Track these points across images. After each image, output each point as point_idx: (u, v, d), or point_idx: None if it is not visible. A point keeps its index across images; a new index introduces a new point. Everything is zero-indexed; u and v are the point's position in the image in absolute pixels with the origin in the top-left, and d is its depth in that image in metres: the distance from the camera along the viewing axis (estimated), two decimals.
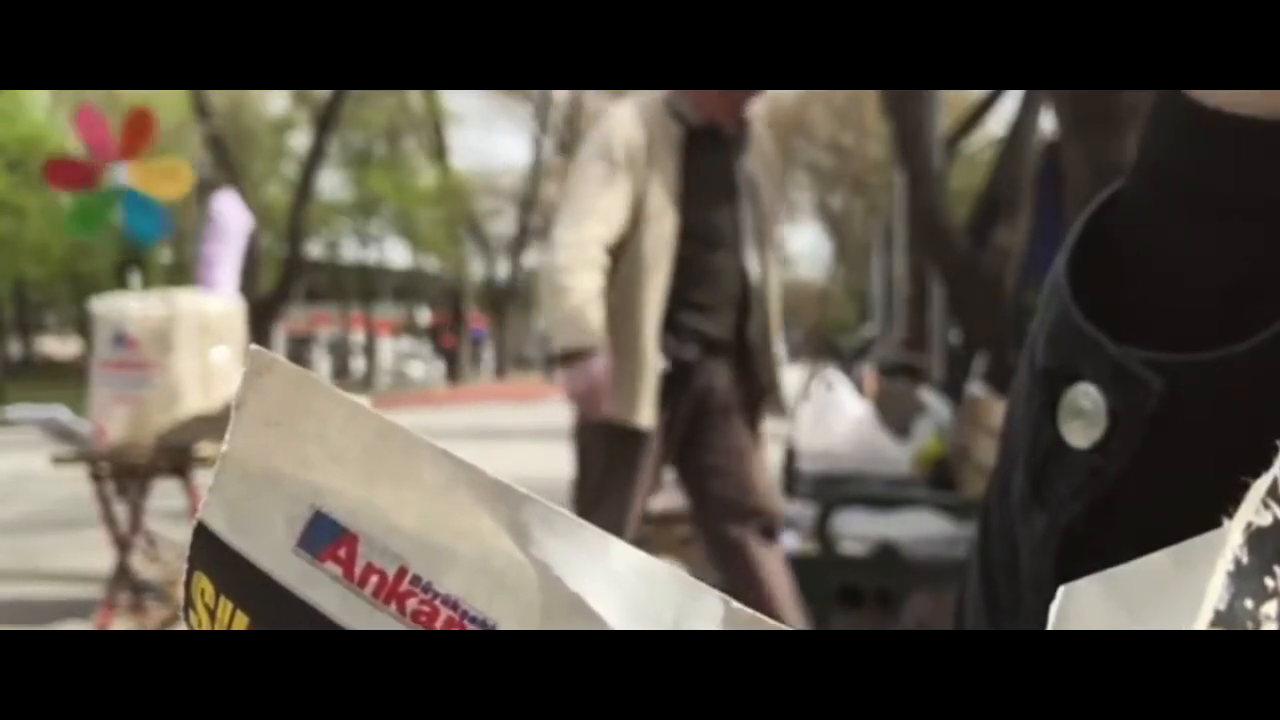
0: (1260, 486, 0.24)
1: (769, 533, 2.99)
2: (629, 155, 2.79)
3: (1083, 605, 0.25)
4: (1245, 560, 0.24)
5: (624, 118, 2.83)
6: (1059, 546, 0.39)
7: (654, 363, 2.79)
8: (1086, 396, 0.38)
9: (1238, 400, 0.35)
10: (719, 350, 2.90)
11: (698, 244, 2.85)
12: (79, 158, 4.73)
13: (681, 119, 2.83)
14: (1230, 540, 0.24)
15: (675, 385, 2.84)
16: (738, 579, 2.93)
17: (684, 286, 2.82)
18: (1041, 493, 0.40)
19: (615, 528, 2.84)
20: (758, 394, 2.99)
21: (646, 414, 2.79)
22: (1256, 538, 0.24)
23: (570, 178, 2.92)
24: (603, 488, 2.88)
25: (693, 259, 2.83)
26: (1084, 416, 0.38)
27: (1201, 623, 0.23)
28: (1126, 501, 0.38)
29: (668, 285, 2.80)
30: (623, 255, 2.80)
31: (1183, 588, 0.24)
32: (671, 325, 2.82)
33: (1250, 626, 0.24)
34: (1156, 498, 0.37)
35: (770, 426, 3.10)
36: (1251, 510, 0.24)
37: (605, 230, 2.76)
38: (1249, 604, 0.24)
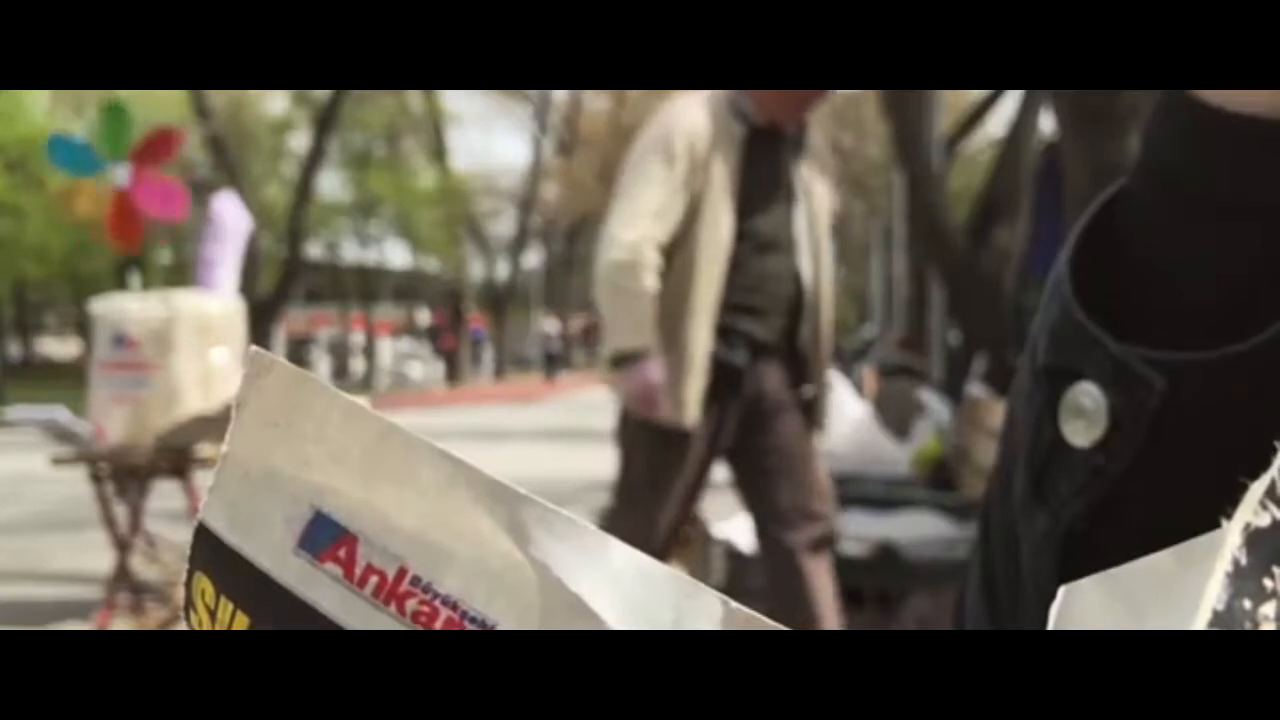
0: (1258, 488, 0.24)
1: (823, 542, 2.94)
2: (690, 150, 2.75)
3: (1083, 605, 0.25)
4: (1244, 561, 0.24)
5: (688, 110, 2.78)
6: (1060, 545, 0.39)
7: (701, 364, 2.75)
8: (1088, 395, 0.38)
9: (1239, 399, 0.35)
10: (770, 354, 2.86)
11: (752, 246, 2.81)
12: (166, 177, 4.75)
13: (744, 118, 2.79)
14: (1229, 541, 0.24)
15: (724, 388, 2.81)
16: (783, 590, 2.90)
17: (736, 289, 2.79)
18: (1042, 491, 0.40)
19: (650, 526, 2.81)
20: (809, 400, 2.95)
21: (691, 414, 2.75)
22: (1255, 539, 0.24)
23: (629, 168, 2.87)
24: (642, 486, 2.85)
25: (746, 261, 2.80)
26: (1085, 415, 0.38)
27: (1200, 623, 0.23)
28: (1127, 501, 0.38)
29: (721, 287, 2.77)
30: (677, 253, 2.76)
31: (1183, 588, 0.24)
32: (723, 328, 2.79)
33: (1248, 627, 0.24)
34: (1158, 497, 0.37)
35: None
36: (1250, 511, 0.24)
37: (661, 230, 2.73)
38: (1247, 604, 0.24)
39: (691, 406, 2.75)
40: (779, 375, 2.88)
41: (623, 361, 2.76)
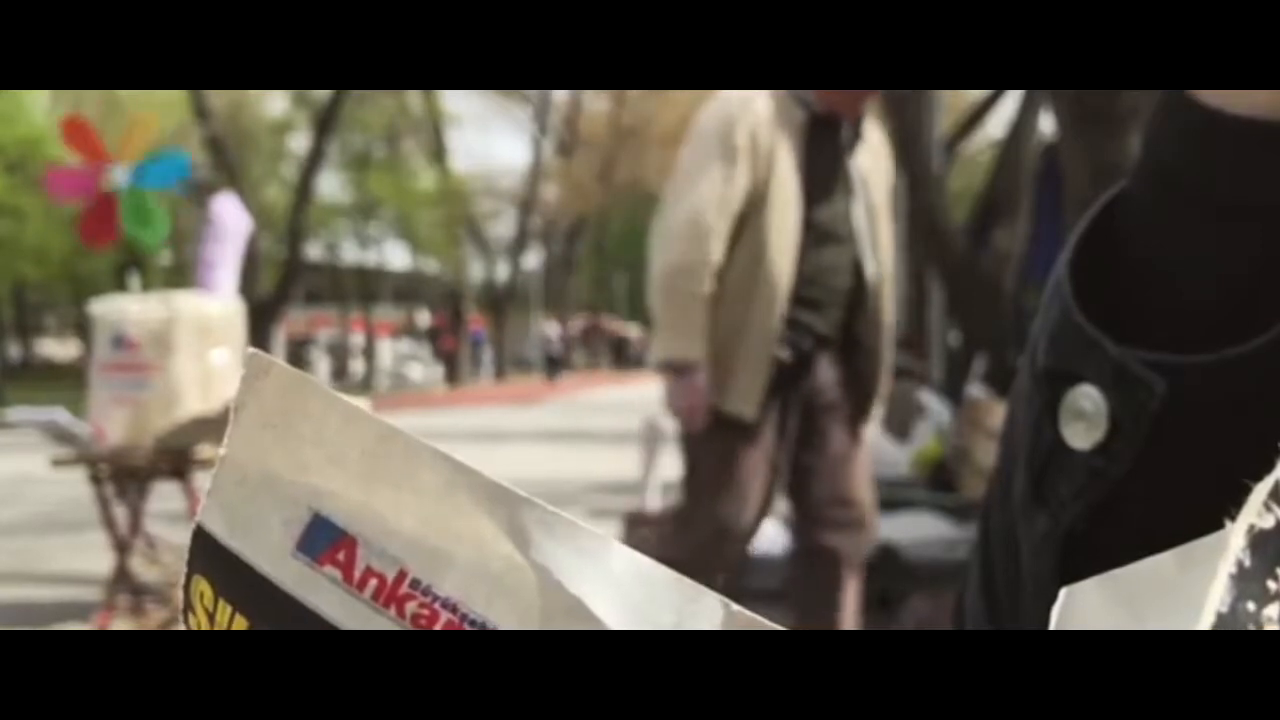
0: (1262, 489, 0.24)
1: (860, 546, 2.90)
2: (752, 139, 2.68)
3: (1085, 606, 0.25)
4: (1247, 563, 0.24)
5: (748, 98, 2.72)
6: (1059, 547, 0.39)
7: (768, 356, 2.71)
8: (1088, 398, 0.38)
9: (1239, 401, 0.35)
10: (827, 348, 2.82)
11: (812, 236, 2.76)
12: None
13: (805, 104, 2.74)
14: (1232, 543, 0.24)
15: (788, 380, 2.77)
16: (810, 589, 2.86)
17: (798, 280, 2.74)
18: (1043, 494, 0.40)
19: (726, 527, 2.76)
20: (862, 396, 2.91)
21: (755, 408, 2.71)
22: (1259, 540, 0.24)
23: (685, 160, 2.79)
24: (713, 484, 2.78)
25: (806, 252, 2.75)
26: (1085, 418, 0.38)
27: (1204, 625, 0.23)
28: (1128, 503, 0.37)
29: (791, 277, 2.71)
30: (741, 244, 2.70)
31: (1185, 590, 0.24)
32: (787, 319, 2.74)
33: (1252, 629, 0.24)
34: (1158, 499, 0.37)
35: None
36: (1254, 513, 0.24)
37: (723, 224, 2.68)
38: (1251, 606, 0.24)
39: (756, 400, 2.70)
40: (833, 371, 2.84)
41: (672, 368, 2.71)
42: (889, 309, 2.91)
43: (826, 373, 2.83)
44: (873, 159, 2.89)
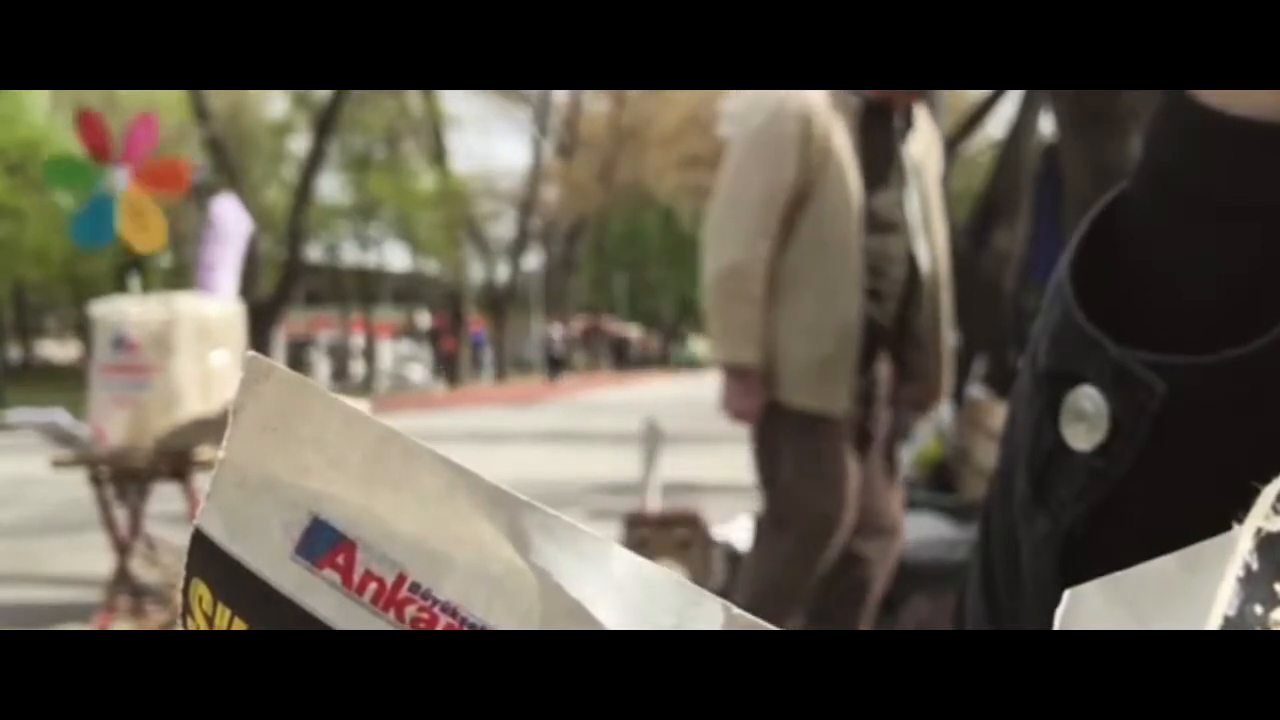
0: (1270, 492, 0.24)
1: (886, 559, 2.85)
2: (805, 128, 2.62)
3: (1088, 609, 0.25)
4: (1255, 566, 0.23)
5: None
6: (1060, 548, 0.39)
7: (853, 349, 2.65)
8: (1088, 399, 0.38)
9: (1240, 403, 0.35)
10: (885, 341, 2.75)
11: (869, 226, 2.69)
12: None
13: (859, 93, 2.66)
14: (1240, 545, 0.23)
15: (861, 372, 2.71)
16: (833, 596, 2.80)
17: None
18: (1043, 495, 0.40)
19: (834, 514, 2.68)
20: (922, 394, 2.85)
21: (843, 401, 2.65)
22: (1266, 543, 0.24)
23: (736, 156, 2.72)
24: (810, 480, 2.70)
25: (866, 241, 2.68)
26: (1086, 419, 0.38)
27: (1211, 628, 0.23)
28: (1129, 504, 0.37)
29: (860, 265, 2.65)
30: (800, 235, 2.64)
31: (1190, 592, 0.24)
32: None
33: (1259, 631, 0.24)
34: (1159, 500, 0.37)
35: None
36: (1261, 516, 0.24)
37: (772, 220, 2.62)
38: (1259, 610, 0.23)
39: (844, 392, 2.65)
40: (887, 366, 2.78)
41: (729, 372, 2.68)
42: (946, 302, 2.84)
43: (883, 367, 2.78)
44: (924, 147, 2.83)
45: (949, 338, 2.89)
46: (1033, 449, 0.40)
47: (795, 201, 2.63)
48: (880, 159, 2.72)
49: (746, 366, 2.64)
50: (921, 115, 2.83)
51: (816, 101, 2.63)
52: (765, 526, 2.86)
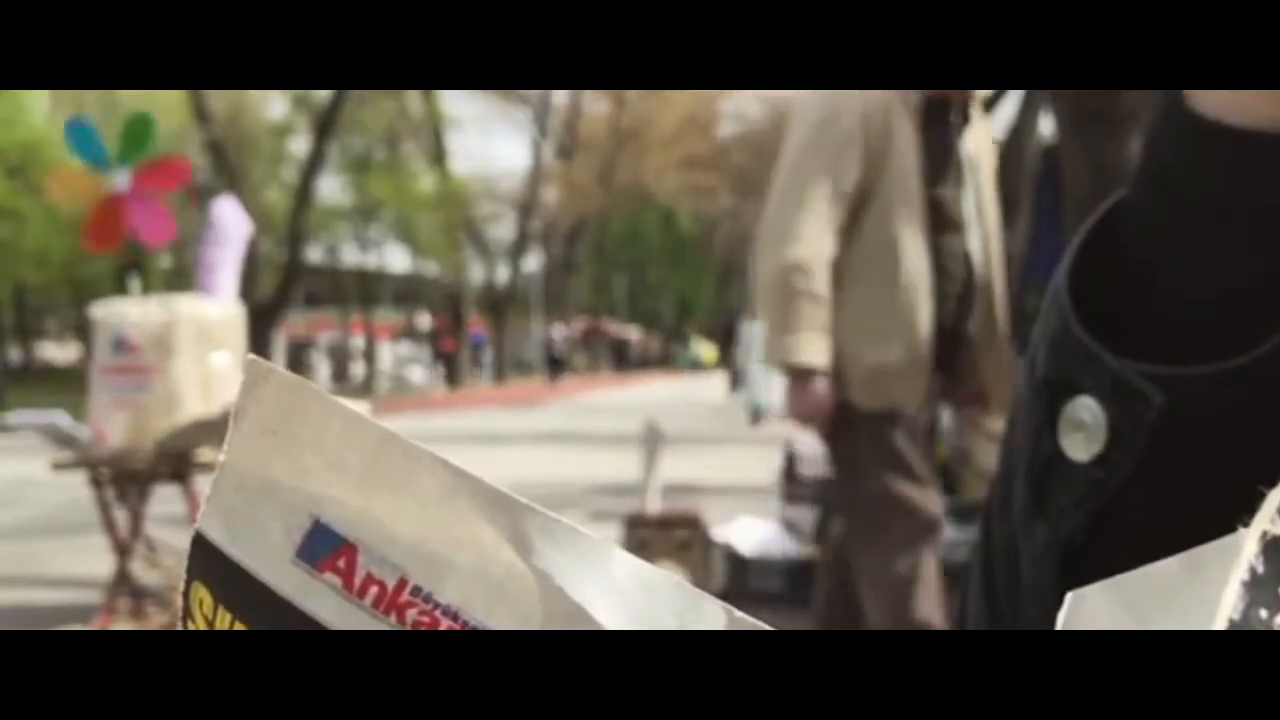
0: (1276, 496, 0.24)
1: (929, 557, 2.76)
2: (865, 123, 2.56)
3: (1090, 611, 0.25)
4: (1260, 569, 0.23)
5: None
6: (1060, 558, 0.39)
7: (927, 347, 2.58)
8: (1086, 409, 0.38)
9: (1239, 412, 0.35)
10: (946, 340, 2.67)
11: (932, 222, 2.62)
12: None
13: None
14: (1245, 549, 0.23)
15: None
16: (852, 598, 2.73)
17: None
18: (1042, 504, 0.40)
19: (934, 516, 2.63)
20: (960, 396, 2.80)
21: (917, 398, 2.59)
22: (1272, 547, 0.24)
23: (792, 144, 2.65)
24: (896, 483, 2.62)
25: (929, 238, 2.61)
26: (1084, 429, 0.38)
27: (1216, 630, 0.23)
28: (1127, 514, 0.37)
29: (928, 260, 2.58)
30: (863, 234, 2.58)
31: (1192, 595, 0.24)
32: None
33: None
34: (1157, 510, 0.37)
35: (771, 431, 2.98)
36: (1267, 519, 0.24)
37: (839, 216, 2.55)
38: (1263, 614, 0.23)
39: (920, 390, 2.58)
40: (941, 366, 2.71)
41: (792, 373, 2.59)
42: (1000, 300, 2.79)
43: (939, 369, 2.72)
44: (979, 143, 2.78)
45: (1005, 336, 2.82)
46: (1032, 457, 0.40)
47: (859, 198, 2.58)
48: (939, 154, 2.66)
49: (815, 368, 2.55)
50: (977, 111, 2.78)
51: (879, 97, 2.57)
52: (860, 534, 2.74)
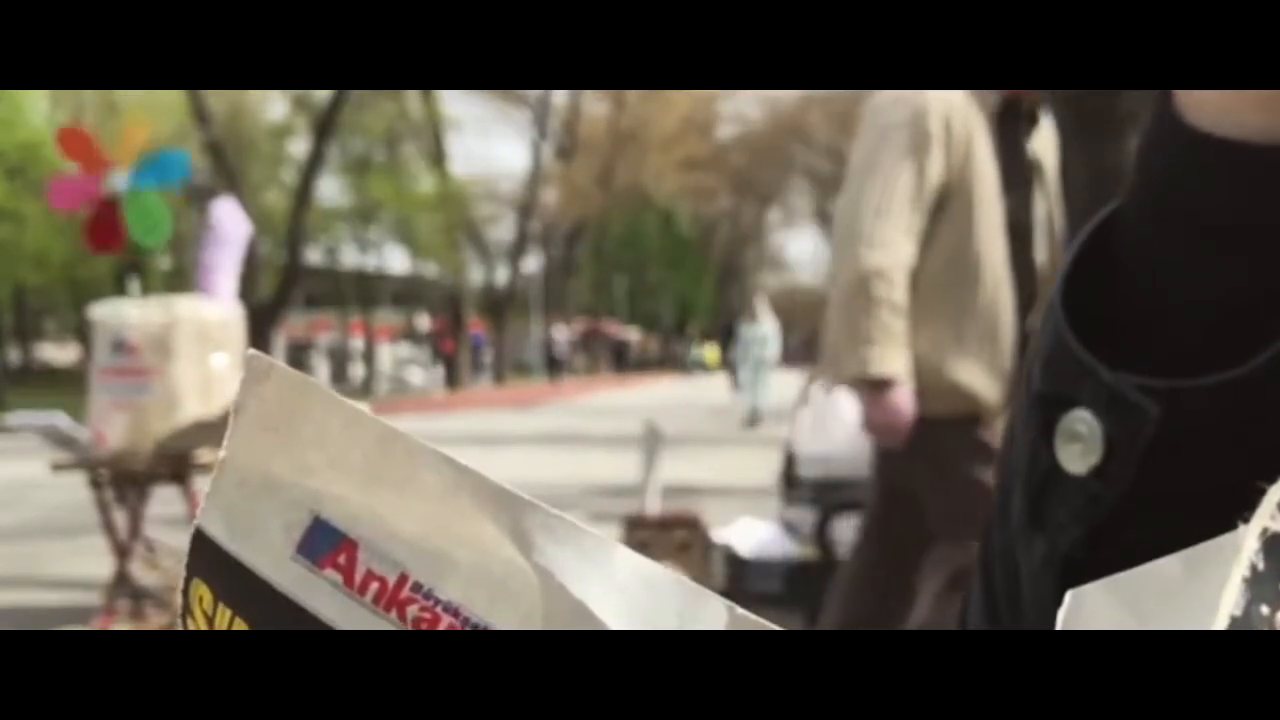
0: (1275, 492, 0.24)
1: (959, 575, 2.70)
2: (946, 126, 2.47)
3: (1090, 610, 0.25)
4: (1261, 566, 0.23)
5: None
6: (1058, 572, 0.39)
7: (1004, 355, 2.49)
8: (1083, 422, 0.38)
9: (1235, 425, 0.35)
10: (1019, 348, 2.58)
11: (1006, 227, 2.53)
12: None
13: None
14: (1246, 546, 0.23)
15: None
16: (889, 602, 2.71)
17: None
18: (1040, 517, 0.40)
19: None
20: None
21: (1000, 409, 2.49)
22: (1272, 543, 0.24)
23: (868, 152, 2.54)
24: (981, 475, 2.51)
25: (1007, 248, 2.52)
26: (1081, 442, 0.38)
27: (1218, 628, 0.23)
28: (1125, 527, 0.37)
29: (1008, 270, 2.49)
30: (942, 240, 2.50)
31: (1193, 593, 0.24)
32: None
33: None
34: (1155, 523, 0.36)
35: (769, 432, 2.97)
36: (1267, 515, 0.24)
37: (919, 221, 2.46)
38: (1265, 610, 0.23)
39: (998, 393, 2.49)
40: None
41: (868, 384, 2.47)
42: None
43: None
44: (1045, 146, 2.70)
45: None
46: (1028, 470, 0.40)
47: (939, 204, 2.50)
48: (1013, 158, 2.58)
49: (894, 377, 2.45)
50: (1043, 113, 2.71)
51: (958, 99, 2.50)
52: (957, 526, 2.62)
